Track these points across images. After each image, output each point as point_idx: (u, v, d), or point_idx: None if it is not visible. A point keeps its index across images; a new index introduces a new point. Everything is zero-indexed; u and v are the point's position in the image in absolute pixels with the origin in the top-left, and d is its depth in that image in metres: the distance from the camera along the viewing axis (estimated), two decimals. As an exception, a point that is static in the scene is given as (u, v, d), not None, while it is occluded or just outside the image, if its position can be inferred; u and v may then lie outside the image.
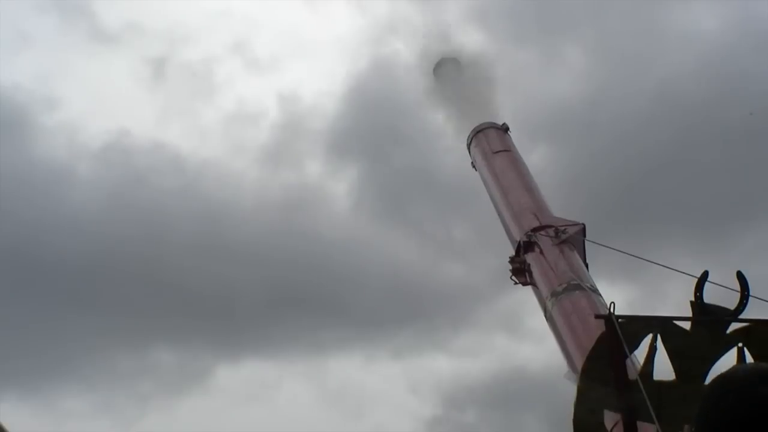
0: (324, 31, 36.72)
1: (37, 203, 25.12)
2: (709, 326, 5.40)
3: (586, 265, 8.26)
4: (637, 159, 23.10)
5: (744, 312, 5.50)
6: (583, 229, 8.53)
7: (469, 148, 11.25)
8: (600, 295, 7.41)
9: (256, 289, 25.55)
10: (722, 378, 1.99)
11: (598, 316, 5.57)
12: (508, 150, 10.52)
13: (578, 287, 7.40)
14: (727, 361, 5.36)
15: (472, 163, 11.19)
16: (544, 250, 8.27)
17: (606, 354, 5.24)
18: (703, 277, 5.49)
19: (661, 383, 5.35)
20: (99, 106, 34.27)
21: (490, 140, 10.69)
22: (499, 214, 9.70)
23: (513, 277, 8.68)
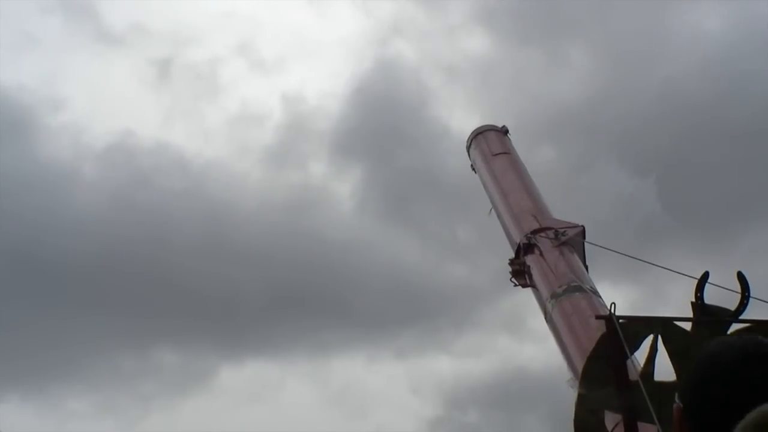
0: (328, 32, 36.81)
1: (42, 204, 25.14)
2: (709, 327, 5.39)
3: (586, 267, 8.25)
4: (641, 159, 23.13)
5: (745, 313, 5.50)
6: (583, 231, 8.52)
7: (468, 151, 11.25)
8: (600, 296, 7.40)
9: (260, 290, 25.56)
10: (709, 358, 1.95)
11: (598, 317, 5.56)
12: (508, 152, 10.51)
13: (578, 289, 7.39)
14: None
15: (471, 165, 11.18)
16: (544, 252, 8.26)
17: (606, 355, 5.23)
18: (704, 278, 5.49)
19: (661, 384, 5.34)
20: (103, 107, 34.36)
21: (490, 142, 10.68)
22: (499, 216, 9.69)
23: (513, 279, 8.67)
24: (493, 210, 9.90)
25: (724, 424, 1.84)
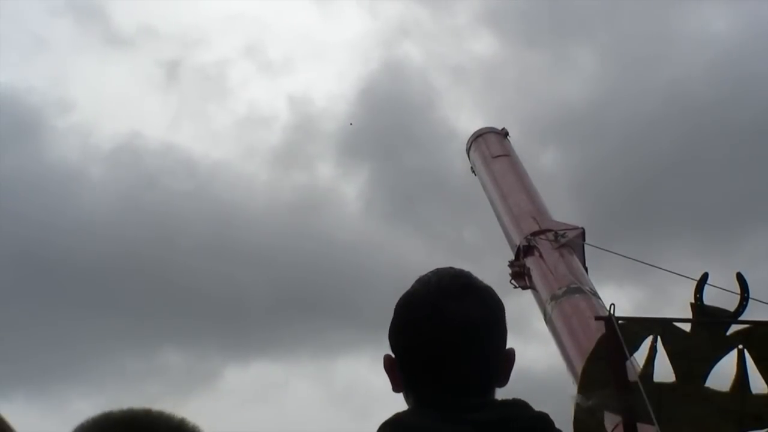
0: (335, 33, 36.94)
1: (49, 204, 25.20)
2: (709, 328, 5.40)
3: (586, 269, 8.26)
4: (646, 161, 23.12)
5: (744, 314, 5.50)
6: (583, 233, 8.54)
7: (468, 153, 11.26)
8: (600, 298, 7.41)
9: (266, 291, 25.58)
10: (407, 297, 1.90)
11: (598, 318, 5.57)
12: (508, 155, 10.53)
13: (578, 290, 7.40)
14: (728, 362, 5.37)
15: (471, 168, 11.20)
16: (544, 253, 8.27)
17: (606, 355, 5.23)
18: (703, 279, 5.49)
19: (661, 385, 5.34)
20: (111, 108, 34.47)
21: (490, 145, 10.70)
22: (499, 218, 9.70)
23: (513, 281, 8.67)
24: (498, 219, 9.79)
25: (426, 359, 1.82)
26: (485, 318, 1.85)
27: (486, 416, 1.75)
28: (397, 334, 1.89)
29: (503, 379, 1.90)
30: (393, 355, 1.89)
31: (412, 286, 1.92)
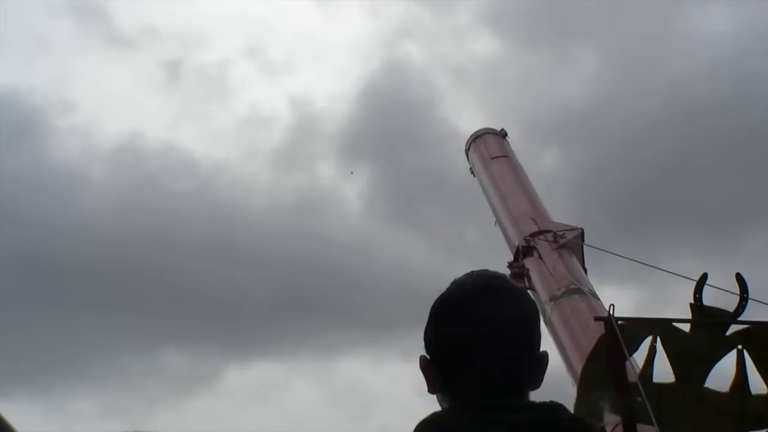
0: (336, 33, 37.00)
1: (51, 205, 25.22)
2: (708, 328, 5.39)
3: (585, 270, 8.26)
4: (646, 161, 23.14)
5: (744, 314, 5.49)
6: (582, 234, 8.54)
7: (467, 154, 11.27)
8: (599, 299, 7.41)
9: (266, 291, 25.58)
10: (441, 298, 1.92)
11: (597, 318, 5.56)
12: (507, 156, 10.53)
13: (577, 291, 7.40)
14: (727, 362, 5.37)
15: (470, 169, 11.20)
16: (543, 254, 8.27)
17: (605, 356, 5.23)
18: (702, 280, 5.49)
19: (660, 385, 5.34)
20: (113, 108, 34.51)
21: (489, 146, 10.70)
22: (498, 219, 9.71)
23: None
24: (497, 222, 9.85)
25: (460, 359, 1.83)
26: (519, 320, 1.87)
27: (521, 417, 1.75)
28: (431, 335, 1.90)
29: (537, 381, 1.90)
30: (428, 356, 1.91)
31: (448, 288, 1.93)
